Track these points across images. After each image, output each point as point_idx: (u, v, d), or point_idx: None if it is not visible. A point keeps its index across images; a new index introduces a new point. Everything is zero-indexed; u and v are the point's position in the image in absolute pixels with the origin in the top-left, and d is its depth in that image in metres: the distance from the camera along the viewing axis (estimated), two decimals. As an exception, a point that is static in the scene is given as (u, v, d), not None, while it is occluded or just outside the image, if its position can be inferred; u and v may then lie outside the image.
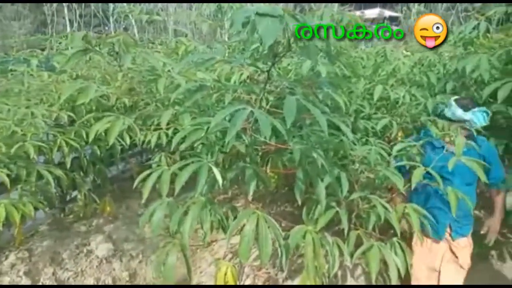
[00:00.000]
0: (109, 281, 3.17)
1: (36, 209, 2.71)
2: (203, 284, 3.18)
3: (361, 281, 2.92)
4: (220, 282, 1.84)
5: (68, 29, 26.77)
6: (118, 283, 3.22)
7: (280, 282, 2.63)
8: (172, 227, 1.76)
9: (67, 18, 27.86)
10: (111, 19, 26.29)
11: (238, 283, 1.94)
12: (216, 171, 1.53)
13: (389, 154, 2.12)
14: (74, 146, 3.11)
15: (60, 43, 4.60)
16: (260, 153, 2.08)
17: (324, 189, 1.72)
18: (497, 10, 2.46)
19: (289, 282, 2.66)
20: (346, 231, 1.87)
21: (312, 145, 1.65)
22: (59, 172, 2.74)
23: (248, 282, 2.82)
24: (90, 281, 3.06)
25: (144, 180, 1.80)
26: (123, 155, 4.48)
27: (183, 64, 1.81)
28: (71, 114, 3.14)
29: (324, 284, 2.09)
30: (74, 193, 3.92)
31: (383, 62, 2.86)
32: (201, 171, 1.51)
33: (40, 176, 2.74)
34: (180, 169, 1.56)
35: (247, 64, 1.66)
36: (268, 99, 1.75)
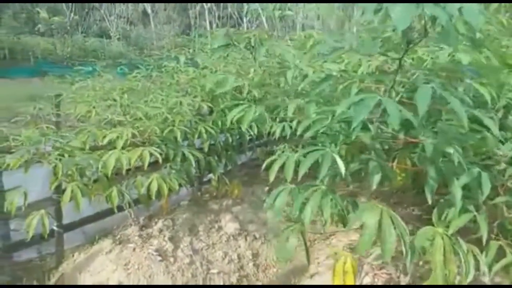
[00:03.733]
0: (234, 257, 3.49)
1: (179, 185, 3.16)
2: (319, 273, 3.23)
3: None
4: (339, 271, 1.85)
5: (209, 29, 29.76)
6: (242, 260, 3.52)
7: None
8: (294, 213, 1.84)
9: (207, 21, 30.98)
10: (244, 19, 28.20)
11: (356, 277, 1.92)
12: (339, 161, 1.54)
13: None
14: (212, 133, 3.50)
15: (203, 43, 5.22)
16: (385, 148, 2.00)
17: (460, 190, 1.57)
18: None
19: None
20: (484, 239, 1.67)
21: (447, 140, 1.51)
22: (200, 155, 3.12)
23: (366, 280, 2.75)
24: (219, 254, 3.42)
25: (270, 165, 1.92)
26: (250, 144, 4.84)
27: (311, 54, 1.86)
28: (210, 105, 3.54)
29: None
30: (209, 175, 4.41)
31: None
32: (324, 160, 1.54)
33: (183, 158, 3.18)
34: (304, 156, 1.63)
35: (378, 54, 1.61)
36: (397, 91, 1.67)
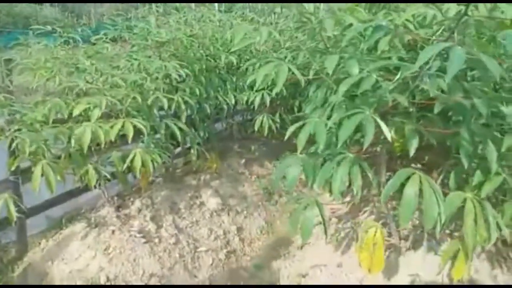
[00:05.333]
0: (220, 233, 3.32)
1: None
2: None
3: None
4: (369, 242, 1.76)
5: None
6: (227, 235, 3.37)
7: (403, 252, 2.49)
8: (319, 182, 1.69)
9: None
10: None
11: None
12: (383, 125, 1.40)
13: None
14: (189, 102, 3.21)
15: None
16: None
17: (495, 152, 1.51)
18: None
19: (411, 252, 2.51)
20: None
21: (488, 100, 1.43)
22: (184, 126, 2.84)
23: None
24: (205, 231, 3.23)
25: (296, 132, 1.73)
26: (225, 114, 4.58)
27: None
28: (187, 71, 3.21)
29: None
30: (178, 149, 4.11)
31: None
32: (367, 124, 1.39)
33: (166, 130, 2.89)
34: (341, 120, 1.46)
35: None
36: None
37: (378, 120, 1.41)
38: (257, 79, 1.64)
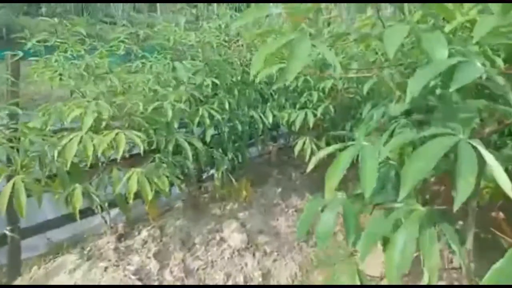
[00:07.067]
0: (240, 279, 2.68)
1: (171, 184, 2.36)
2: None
3: None
4: None
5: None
6: (249, 282, 2.72)
7: None
8: (365, 248, 1.02)
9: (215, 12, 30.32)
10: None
11: None
12: (489, 157, 0.72)
13: None
14: (216, 118, 2.70)
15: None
16: None
17: None
18: None
19: None
20: None
21: None
22: (199, 144, 2.30)
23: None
24: (220, 276, 2.61)
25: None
26: (262, 137, 4.00)
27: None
28: (215, 80, 2.71)
29: None
30: (211, 171, 3.59)
31: None
32: (463, 153, 0.72)
33: (178, 149, 2.37)
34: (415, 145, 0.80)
35: None
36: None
37: (482, 149, 0.73)
38: (253, 62, 1.00)
